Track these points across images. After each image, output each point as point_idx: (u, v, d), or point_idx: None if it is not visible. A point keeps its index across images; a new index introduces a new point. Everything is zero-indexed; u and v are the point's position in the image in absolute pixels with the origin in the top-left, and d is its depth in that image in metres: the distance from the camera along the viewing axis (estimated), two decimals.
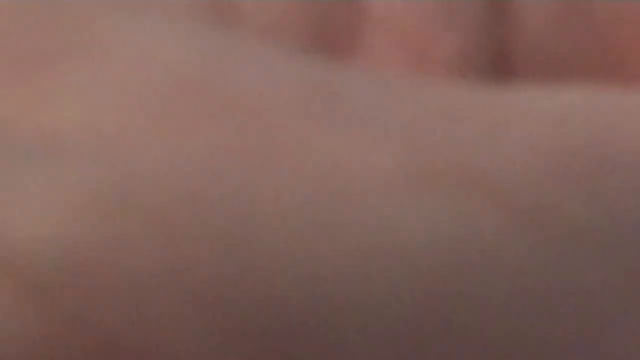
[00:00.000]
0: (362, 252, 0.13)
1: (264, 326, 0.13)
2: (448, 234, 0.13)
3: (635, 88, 0.22)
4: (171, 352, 0.12)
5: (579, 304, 0.13)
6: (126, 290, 0.12)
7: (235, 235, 0.13)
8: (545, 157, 0.14)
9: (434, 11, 0.21)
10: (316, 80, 0.14)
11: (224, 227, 0.13)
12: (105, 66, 0.14)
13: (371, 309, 0.13)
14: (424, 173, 0.13)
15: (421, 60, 0.20)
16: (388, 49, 0.20)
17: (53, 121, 0.13)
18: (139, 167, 0.13)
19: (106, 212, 0.12)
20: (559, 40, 0.22)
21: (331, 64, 0.15)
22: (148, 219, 0.12)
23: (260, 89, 0.14)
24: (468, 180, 0.13)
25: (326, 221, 0.13)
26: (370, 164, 0.13)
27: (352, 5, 0.20)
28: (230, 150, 0.13)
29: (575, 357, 0.13)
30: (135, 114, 0.13)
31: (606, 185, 0.14)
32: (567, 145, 0.14)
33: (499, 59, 0.21)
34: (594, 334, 0.13)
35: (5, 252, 0.12)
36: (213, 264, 0.12)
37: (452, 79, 0.20)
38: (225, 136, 0.13)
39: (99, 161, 0.13)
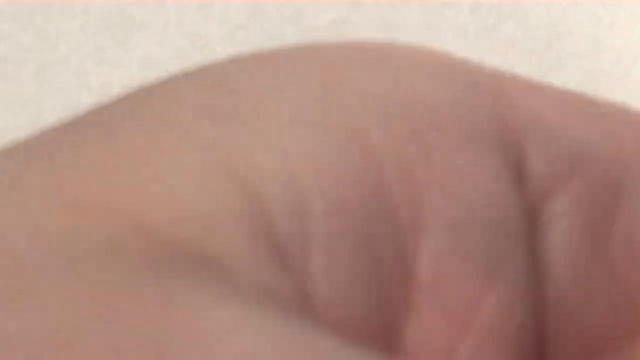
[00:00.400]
0: None
1: None
2: None
3: None
4: None
5: None
6: None
7: None
8: None
9: (475, 274, 0.21)
10: None
11: None
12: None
13: None
14: None
15: (463, 326, 0.21)
16: (434, 316, 0.21)
17: None
18: None
19: None
20: (591, 310, 0.23)
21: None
22: None
23: None
24: None
25: None
26: None
27: (404, 277, 0.21)
28: None
29: None
30: None
31: None
32: None
33: (534, 324, 0.22)
34: None
35: None
36: None
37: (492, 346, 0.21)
38: None
39: None
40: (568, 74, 0.80)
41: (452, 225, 0.21)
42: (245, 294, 0.17)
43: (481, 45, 0.81)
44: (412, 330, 0.21)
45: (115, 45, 0.83)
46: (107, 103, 0.23)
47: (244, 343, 0.15)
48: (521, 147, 0.23)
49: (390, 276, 0.21)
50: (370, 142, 0.21)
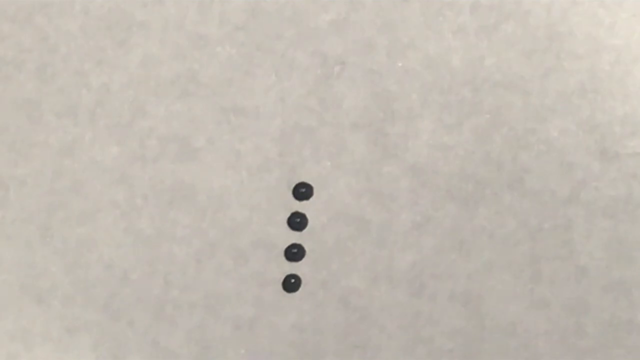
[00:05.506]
0: None
1: None
2: None
3: None
4: None
5: None
6: None
7: None
8: None
9: None
10: None
11: None
12: None
13: None
14: None
15: None
16: None
17: None
18: None
19: None
20: None
21: None
22: None
23: None
24: None
25: None
26: None
27: None
28: None
29: None
30: None
31: None
32: None
33: None
34: None
35: None
36: None
37: None
38: None
39: None
40: (568, 74, 0.80)
41: None
42: None
43: (481, 45, 0.81)
44: None
45: (115, 45, 0.83)
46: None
47: None
48: None
49: None
50: None
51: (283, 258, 0.81)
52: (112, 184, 0.82)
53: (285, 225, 0.81)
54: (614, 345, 0.79)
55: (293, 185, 0.81)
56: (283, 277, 0.81)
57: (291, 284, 0.81)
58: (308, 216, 0.81)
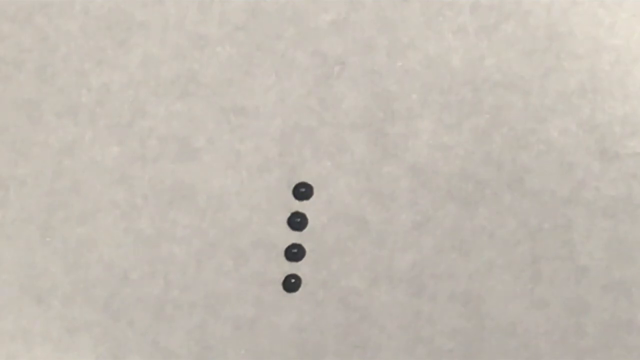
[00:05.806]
0: None
1: None
2: None
3: None
4: None
5: None
6: None
7: None
8: None
9: None
10: None
11: None
12: None
13: None
14: None
15: None
16: None
17: None
18: None
19: None
20: None
21: None
22: None
23: None
24: None
25: None
26: None
27: None
28: None
29: None
30: None
31: None
32: None
33: None
34: None
35: None
36: None
37: None
38: None
39: None
40: (568, 74, 0.80)
41: None
42: None
43: (481, 45, 0.81)
44: None
45: (115, 45, 0.83)
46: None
47: None
48: None
49: None
50: None
51: (283, 258, 0.81)
52: (112, 184, 0.82)
53: (285, 225, 0.81)
54: (614, 345, 0.79)
55: (293, 185, 0.81)
56: (283, 277, 0.81)
57: (291, 284, 0.81)
58: (308, 216, 0.81)
